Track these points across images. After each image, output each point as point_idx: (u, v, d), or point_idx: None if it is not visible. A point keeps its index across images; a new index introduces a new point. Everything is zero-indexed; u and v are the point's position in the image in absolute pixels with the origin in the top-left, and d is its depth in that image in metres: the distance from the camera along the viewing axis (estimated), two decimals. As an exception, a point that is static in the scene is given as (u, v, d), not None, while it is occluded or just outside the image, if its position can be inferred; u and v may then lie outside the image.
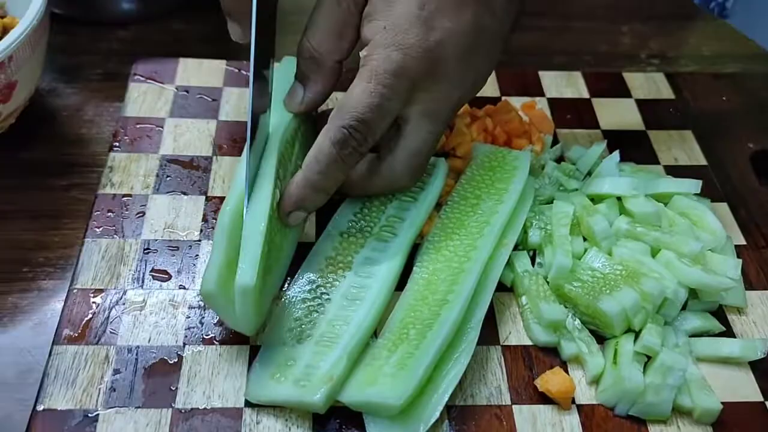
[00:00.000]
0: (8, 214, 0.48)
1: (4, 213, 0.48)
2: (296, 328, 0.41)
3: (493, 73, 0.61)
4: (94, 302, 0.43)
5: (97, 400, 0.39)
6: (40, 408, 0.39)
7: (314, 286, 0.43)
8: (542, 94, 0.60)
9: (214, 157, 0.52)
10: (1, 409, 0.39)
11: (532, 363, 0.43)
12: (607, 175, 0.50)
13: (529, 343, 0.44)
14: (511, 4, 0.44)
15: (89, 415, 0.38)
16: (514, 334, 0.44)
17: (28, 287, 0.45)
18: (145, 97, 0.56)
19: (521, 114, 0.57)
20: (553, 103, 0.59)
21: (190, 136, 0.53)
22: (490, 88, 0.60)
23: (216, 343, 0.42)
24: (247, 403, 0.40)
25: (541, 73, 0.62)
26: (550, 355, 0.43)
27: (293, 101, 0.46)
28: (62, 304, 0.43)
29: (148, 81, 0.57)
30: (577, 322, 0.44)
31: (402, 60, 0.41)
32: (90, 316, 0.43)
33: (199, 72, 0.58)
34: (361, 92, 0.41)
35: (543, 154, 0.54)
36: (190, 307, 0.44)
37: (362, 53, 0.42)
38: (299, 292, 0.43)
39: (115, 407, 0.39)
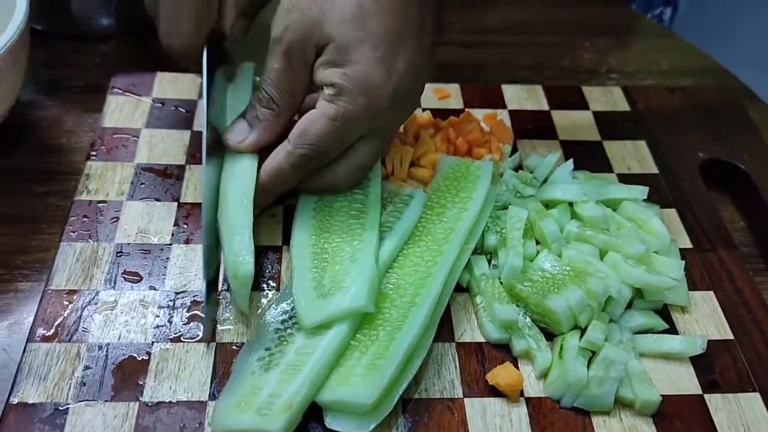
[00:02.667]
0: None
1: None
2: (266, 357, 0.42)
3: (458, 87, 0.64)
4: (67, 302, 0.45)
5: (67, 394, 0.41)
6: (13, 401, 0.41)
7: (287, 316, 0.44)
8: (504, 107, 0.63)
9: (187, 166, 0.54)
10: (-24, 403, 0.41)
11: (484, 359, 0.45)
12: (561, 182, 0.52)
13: (483, 340, 0.46)
14: (427, 37, 0.47)
15: (60, 408, 0.40)
16: (468, 332, 0.47)
17: (6, 289, 0.47)
18: (122, 108, 0.58)
19: (483, 125, 0.60)
20: (514, 114, 0.62)
21: (165, 146, 0.56)
22: (455, 100, 0.63)
23: (183, 341, 0.44)
24: (212, 397, 0.42)
25: (503, 87, 0.64)
26: (502, 352, 0.46)
27: (236, 138, 0.48)
28: (37, 304, 0.45)
29: (126, 93, 0.59)
30: (528, 320, 0.46)
31: (368, 103, 0.44)
32: (63, 315, 0.45)
33: (175, 85, 0.61)
34: (326, 125, 0.44)
35: (502, 163, 0.56)
36: (159, 307, 0.46)
37: (326, 92, 0.45)
38: (272, 321, 0.44)
39: (84, 401, 0.41)
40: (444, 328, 0.46)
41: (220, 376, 0.43)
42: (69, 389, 0.41)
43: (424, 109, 0.61)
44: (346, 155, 0.47)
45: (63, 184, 0.53)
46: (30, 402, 0.41)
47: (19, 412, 0.40)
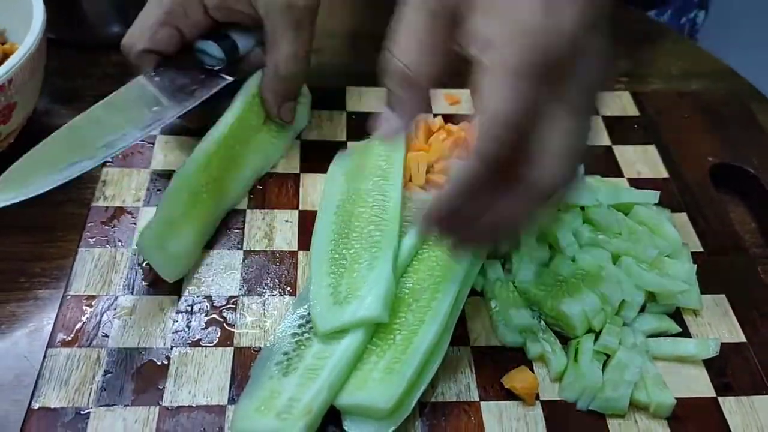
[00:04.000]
0: (7, 228, 0.51)
1: (3, 227, 0.51)
2: (284, 361, 0.42)
3: (469, 92, 0.64)
4: (86, 308, 0.46)
5: (88, 399, 0.42)
6: (35, 406, 0.41)
7: (304, 320, 0.45)
8: (514, 112, 0.63)
9: (202, 172, 0.55)
10: (-2, 409, 0.42)
11: (499, 362, 0.46)
12: (572, 187, 0.53)
13: (498, 344, 0.47)
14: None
15: (81, 412, 0.41)
16: (483, 335, 0.47)
17: (25, 296, 0.47)
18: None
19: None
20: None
21: (180, 152, 0.56)
22: (466, 105, 0.63)
23: (201, 345, 0.45)
24: (231, 401, 0.42)
25: (514, 92, 0.65)
26: (517, 355, 0.46)
27: (388, 130, 0.40)
28: (57, 310, 0.46)
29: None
30: (542, 323, 0.46)
31: (541, 46, 0.34)
32: (83, 320, 0.45)
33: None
34: (504, 89, 0.34)
35: (513, 168, 0.57)
36: (178, 312, 0.46)
37: (477, 49, 0.36)
38: (290, 327, 0.44)
39: (105, 405, 0.41)
40: (459, 332, 0.47)
41: (239, 381, 0.43)
42: (90, 394, 0.42)
43: (435, 115, 0.61)
44: (548, 136, 0.36)
45: (80, 192, 0.53)
46: (52, 407, 0.41)
47: (40, 417, 0.41)
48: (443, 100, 0.64)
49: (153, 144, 0.57)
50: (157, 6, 0.52)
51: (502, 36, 0.35)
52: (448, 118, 0.61)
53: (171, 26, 0.51)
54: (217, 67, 0.53)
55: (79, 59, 0.65)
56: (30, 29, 0.51)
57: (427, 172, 0.56)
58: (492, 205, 0.38)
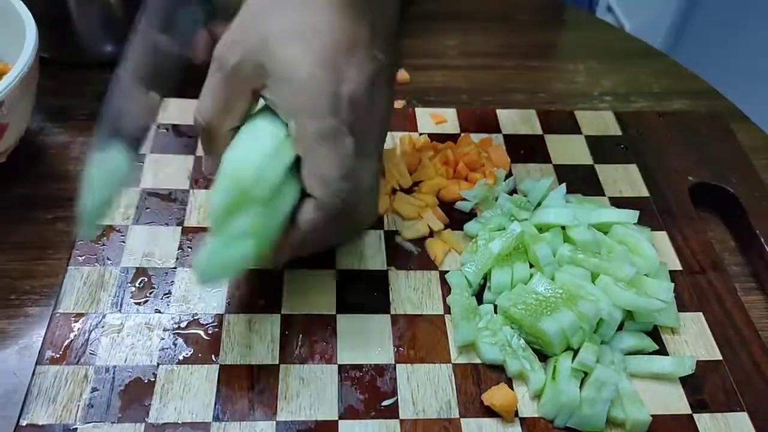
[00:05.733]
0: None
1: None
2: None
3: (455, 111, 0.66)
4: (75, 325, 0.47)
5: (75, 416, 0.42)
6: (23, 423, 0.42)
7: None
8: (499, 131, 0.64)
9: (191, 190, 0.56)
10: (-13, 425, 0.43)
11: (479, 380, 0.47)
12: (553, 206, 0.54)
13: (478, 361, 0.48)
14: (381, 54, 0.44)
15: (68, 429, 0.42)
16: (464, 352, 0.48)
17: (15, 314, 0.48)
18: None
19: (480, 150, 0.61)
20: (509, 139, 0.63)
21: (170, 171, 0.57)
22: (451, 125, 0.64)
23: (188, 363, 0.46)
24: (215, 418, 0.43)
25: (498, 111, 0.66)
26: (497, 372, 0.47)
27: (207, 168, 0.48)
28: (46, 327, 0.47)
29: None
30: (522, 341, 0.47)
31: (327, 106, 0.41)
32: (71, 338, 0.46)
33: (180, 111, 0.62)
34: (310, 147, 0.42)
35: (496, 187, 0.58)
36: (165, 330, 0.47)
37: (278, 111, 0.43)
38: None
39: (92, 422, 0.42)
40: (441, 348, 0.48)
41: (224, 398, 0.44)
42: (77, 411, 0.43)
43: (421, 134, 0.63)
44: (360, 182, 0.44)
45: (70, 210, 0.54)
46: (40, 424, 0.42)
47: (29, 434, 0.42)
48: (429, 119, 0.65)
49: (143, 163, 0.58)
50: None
51: (295, 103, 0.42)
52: (434, 137, 0.62)
53: None
54: None
55: (72, 78, 0.66)
56: (22, 49, 0.52)
57: (413, 191, 0.57)
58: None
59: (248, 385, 0.45)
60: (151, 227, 0.53)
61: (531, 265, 0.51)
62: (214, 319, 0.48)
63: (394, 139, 0.62)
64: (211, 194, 0.43)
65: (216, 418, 0.43)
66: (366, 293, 0.51)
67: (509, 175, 0.60)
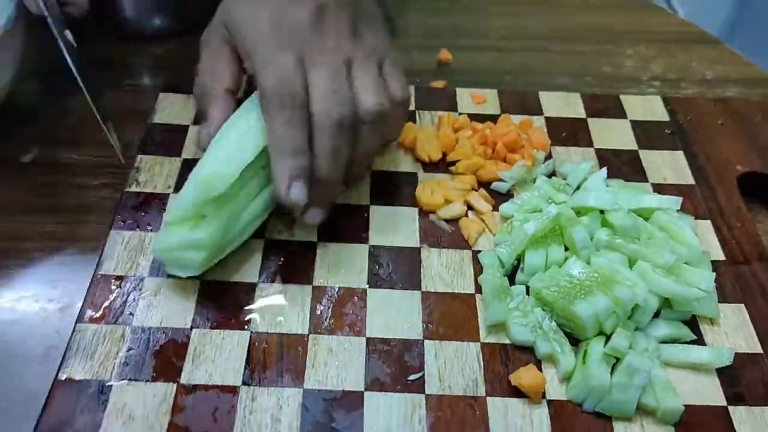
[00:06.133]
0: (45, 210, 0.54)
1: (41, 208, 0.54)
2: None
3: (496, 92, 0.65)
4: (114, 287, 0.48)
5: (111, 373, 0.44)
6: (62, 377, 0.43)
7: None
8: (541, 113, 0.63)
9: (231, 162, 0.57)
10: (29, 380, 0.44)
11: (508, 360, 0.46)
12: (593, 190, 0.53)
13: (508, 341, 0.47)
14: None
15: (103, 384, 0.43)
16: (494, 333, 0.48)
17: (59, 275, 0.50)
18: (172, 106, 0.61)
19: (520, 132, 0.61)
20: (550, 121, 0.62)
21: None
22: (492, 106, 0.64)
23: (220, 328, 0.46)
24: (244, 383, 0.44)
25: (541, 94, 0.65)
26: (526, 354, 0.47)
27: (202, 139, 0.52)
28: (87, 288, 0.48)
29: (176, 92, 0.62)
30: (553, 324, 0.47)
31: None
32: (110, 299, 0.47)
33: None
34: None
35: (535, 169, 0.57)
36: (199, 295, 0.48)
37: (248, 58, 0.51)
38: None
39: (126, 379, 0.44)
40: (470, 327, 0.48)
41: (254, 364, 0.45)
42: (113, 368, 0.44)
43: (460, 114, 0.62)
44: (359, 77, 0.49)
45: (115, 177, 0.56)
46: (77, 378, 0.43)
47: (66, 388, 0.43)
48: (470, 99, 0.64)
49: (185, 134, 0.59)
50: None
51: (251, 41, 0.50)
52: (474, 117, 0.62)
53: None
54: None
55: (120, 50, 0.67)
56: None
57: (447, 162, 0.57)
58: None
59: (278, 353, 0.46)
60: (191, 196, 0.54)
61: (566, 248, 0.51)
62: (248, 287, 0.49)
63: (432, 117, 0.62)
64: (185, 185, 0.47)
65: (245, 383, 0.44)
66: (398, 269, 0.51)
67: (549, 157, 0.59)
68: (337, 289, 0.49)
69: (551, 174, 0.58)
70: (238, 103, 0.52)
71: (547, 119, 0.63)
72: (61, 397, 0.43)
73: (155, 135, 0.59)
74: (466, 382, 0.45)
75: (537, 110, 0.64)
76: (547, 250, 0.50)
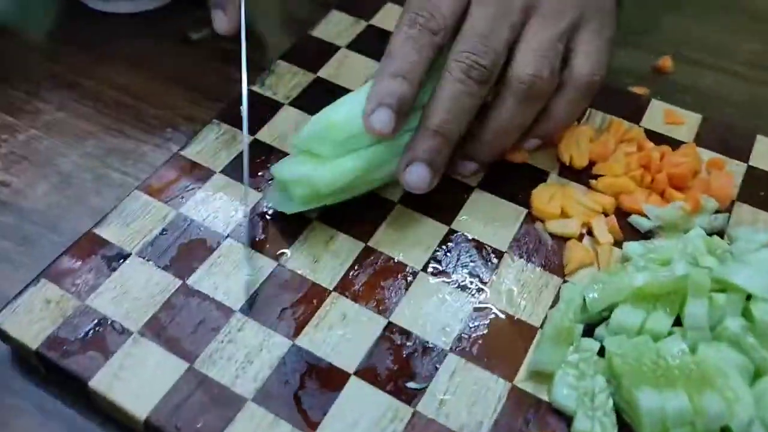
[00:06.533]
0: (168, 74, 0.54)
1: (165, 73, 0.55)
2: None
3: (700, 119, 0.51)
4: (183, 172, 0.47)
5: (134, 246, 0.43)
6: (95, 231, 0.43)
7: None
8: (745, 160, 0.49)
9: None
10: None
11: (533, 419, 0.36)
12: (752, 265, 0.39)
13: (545, 397, 0.37)
14: None
15: (122, 254, 0.42)
16: (533, 380, 0.38)
17: (148, 138, 0.51)
18: (337, 25, 0.58)
19: (704, 170, 0.47)
20: (753, 173, 0.48)
21: (349, 70, 0.54)
22: (685, 132, 0.51)
23: (254, 247, 0.43)
24: (241, 310, 0.40)
25: (759, 137, 0.50)
26: (560, 422, 0.36)
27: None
28: (162, 163, 0.48)
29: (348, 12, 0.59)
30: (610, 402, 0.36)
31: None
32: (173, 180, 0.46)
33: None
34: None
35: (695, 217, 0.44)
36: (251, 210, 0.45)
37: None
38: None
39: (143, 258, 0.42)
40: (510, 362, 0.38)
41: (261, 296, 0.41)
42: (139, 242, 0.43)
43: (640, 126, 0.51)
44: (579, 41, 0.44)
45: (249, 74, 0.54)
46: (104, 237, 0.43)
47: (92, 241, 0.43)
48: (662, 115, 0.52)
49: (334, 54, 0.55)
50: None
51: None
52: (653, 136, 0.50)
53: None
54: None
55: None
56: None
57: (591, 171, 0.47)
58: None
59: (290, 298, 0.41)
60: (301, 114, 0.51)
61: (675, 323, 0.38)
62: (301, 218, 0.44)
63: (603, 120, 0.51)
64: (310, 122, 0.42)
65: (241, 310, 0.40)
66: (465, 265, 0.43)
67: (723, 212, 0.45)
68: (386, 258, 0.43)
69: (716, 233, 0.44)
70: None
71: (750, 169, 0.48)
72: (82, 247, 0.43)
73: (306, 46, 0.56)
74: (468, 420, 0.36)
75: (742, 155, 0.49)
76: (649, 314, 0.38)
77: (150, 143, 0.51)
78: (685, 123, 0.51)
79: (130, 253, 0.42)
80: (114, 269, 0.42)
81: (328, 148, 0.41)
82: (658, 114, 0.52)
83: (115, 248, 0.43)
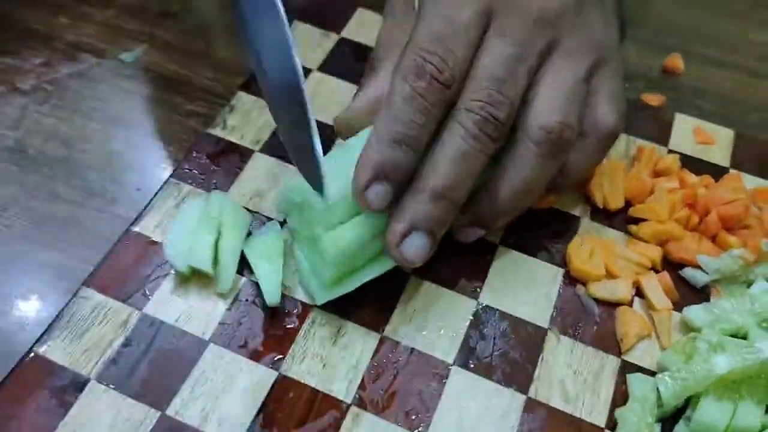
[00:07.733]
0: (128, 124, 0.44)
1: (128, 121, 0.44)
2: None
3: (732, 134, 0.46)
4: (143, 253, 0.38)
5: (92, 367, 0.34)
6: (39, 350, 0.34)
7: None
8: (794, 184, 0.43)
9: (337, 140, 0.43)
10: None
11: None
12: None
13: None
14: None
15: (78, 380, 0.33)
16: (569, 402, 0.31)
17: (102, 207, 0.40)
18: (303, 41, 0.48)
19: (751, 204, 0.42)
20: (805, 200, 0.42)
21: (326, 100, 0.45)
22: (720, 153, 0.45)
23: (243, 354, 0.35)
24: (243, 444, 0.32)
25: (801, 154, 0.45)
26: None
27: (339, 121, 0.39)
28: (112, 244, 0.38)
29: (313, 24, 0.49)
30: None
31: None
32: (132, 265, 0.37)
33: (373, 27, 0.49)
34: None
35: (756, 267, 0.38)
36: (237, 300, 0.36)
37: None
38: None
39: (105, 384, 0.33)
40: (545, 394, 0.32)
41: (268, 418, 0.33)
42: (97, 361, 0.34)
43: (671, 151, 0.44)
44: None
45: (207, 106, 0.45)
46: (51, 359, 0.34)
47: (38, 366, 0.33)
48: (691, 134, 0.46)
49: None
50: None
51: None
52: (688, 161, 0.43)
53: None
54: None
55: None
56: None
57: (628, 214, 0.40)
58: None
59: (301, 414, 0.33)
60: (278, 162, 0.42)
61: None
62: (295, 308, 0.36)
63: (629, 145, 0.44)
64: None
65: None
66: (506, 351, 0.36)
67: (784, 255, 0.40)
68: (410, 351, 0.35)
69: (780, 282, 0.39)
70: None
71: (802, 196, 0.43)
72: (27, 376, 0.33)
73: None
74: None
75: (789, 177, 0.44)
76: (737, 405, 0.32)
77: (90, 208, 0.40)
78: (717, 141, 0.45)
79: (88, 379, 0.33)
80: (69, 405, 0.32)
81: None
82: (686, 132, 0.46)
83: (67, 374, 0.33)
